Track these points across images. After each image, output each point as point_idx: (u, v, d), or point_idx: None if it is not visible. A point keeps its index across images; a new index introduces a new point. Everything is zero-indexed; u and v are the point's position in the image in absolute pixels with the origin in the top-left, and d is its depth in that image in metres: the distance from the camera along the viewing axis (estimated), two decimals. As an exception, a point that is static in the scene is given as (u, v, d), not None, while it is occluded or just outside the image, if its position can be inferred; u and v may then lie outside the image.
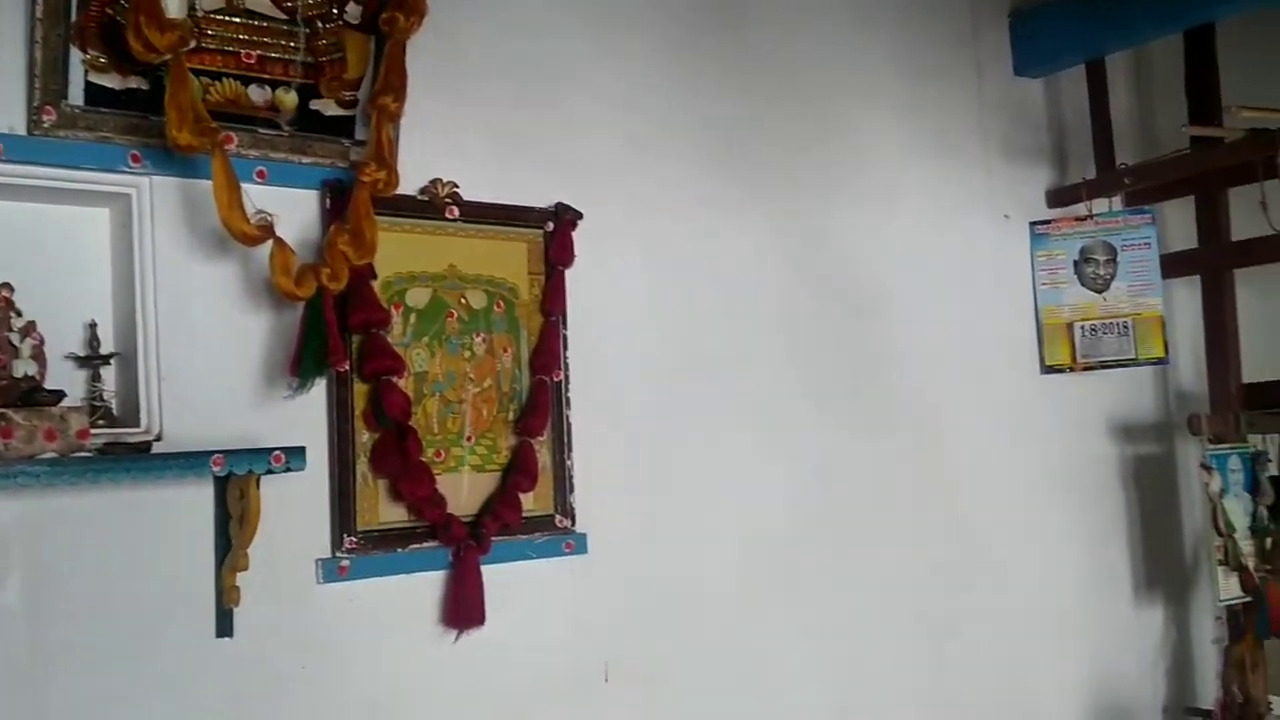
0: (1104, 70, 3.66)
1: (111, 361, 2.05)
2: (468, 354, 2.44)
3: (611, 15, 2.76)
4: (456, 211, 2.44)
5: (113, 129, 2.05)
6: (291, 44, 2.23)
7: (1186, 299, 3.78)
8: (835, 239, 3.15)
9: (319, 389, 2.25)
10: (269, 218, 2.12)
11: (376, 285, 2.32)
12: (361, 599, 2.26)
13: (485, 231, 2.49)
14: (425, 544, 2.33)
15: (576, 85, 2.70)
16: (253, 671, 2.14)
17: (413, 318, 2.38)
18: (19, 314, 1.89)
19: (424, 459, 2.32)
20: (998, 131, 3.59)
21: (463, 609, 2.32)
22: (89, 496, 1.96)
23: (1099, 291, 3.58)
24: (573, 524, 2.53)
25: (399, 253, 2.37)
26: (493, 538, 2.38)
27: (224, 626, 2.11)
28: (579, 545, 2.53)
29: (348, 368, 2.26)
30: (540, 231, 2.56)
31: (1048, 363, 3.59)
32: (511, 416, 2.48)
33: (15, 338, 1.87)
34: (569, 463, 2.53)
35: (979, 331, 3.45)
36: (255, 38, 2.19)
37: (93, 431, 1.89)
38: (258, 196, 2.13)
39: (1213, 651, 3.68)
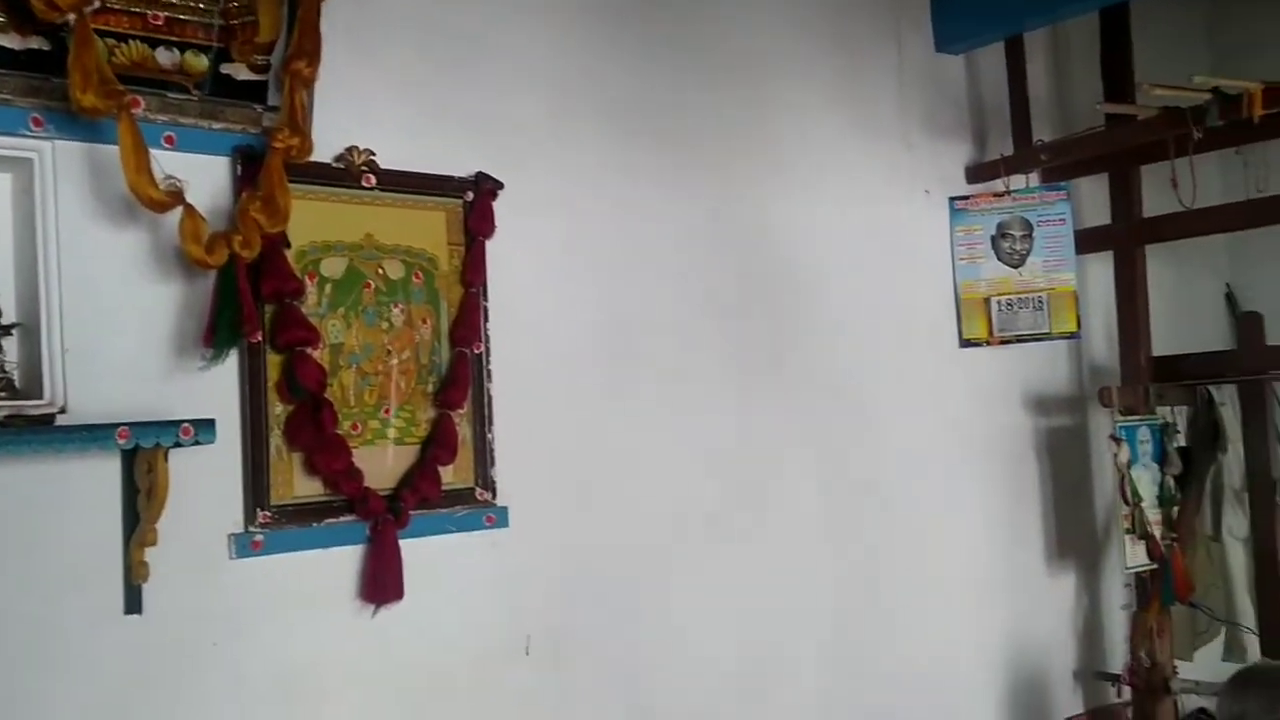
0: (1022, 47, 3.71)
1: (13, 332, 1.98)
2: (385, 325, 2.40)
3: (536, -18, 2.74)
4: (373, 180, 2.40)
5: (13, 91, 1.98)
6: (201, 6, 2.17)
7: (1099, 274, 3.86)
8: (757, 212, 3.16)
9: (230, 360, 2.20)
10: (178, 183, 2.07)
11: (290, 254, 2.27)
12: (276, 574, 2.23)
13: (403, 201, 2.45)
14: (342, 518, 2.30)
15: (499, 53, 2.66)
16: (162, 649, 2.10)
17: (328, 288, 2.34)
18: (-87, 283, 1.83)
19: (340, 432, 2.29)
20: (918, 107, 3.63)
21: (381, 583, 2.30)
22: (-11, 470, 1.89)
23: (1015, 267, 3.63)
24: (494, 497, 2.51)
25: (314, 221, 2.32)
26: (412, 511, 2.35)
27: (132, 603, 2.06)
28: (500, 519, 2.52)
29: (261, 338, 2.21)
30: (460, 201, 2.52)
31: (965, 336, 3.64)
32: (431, 389, 2.45)
33: (-90, 308, 1.80)
34: (490, 435, 2.51)
35: (899, 305, 3.49)
36: (163, -2, 2.13)
37: (-8, 404, 1.83)
38: (167, 162, 2.08)
39: (1121, 617, 3.79)
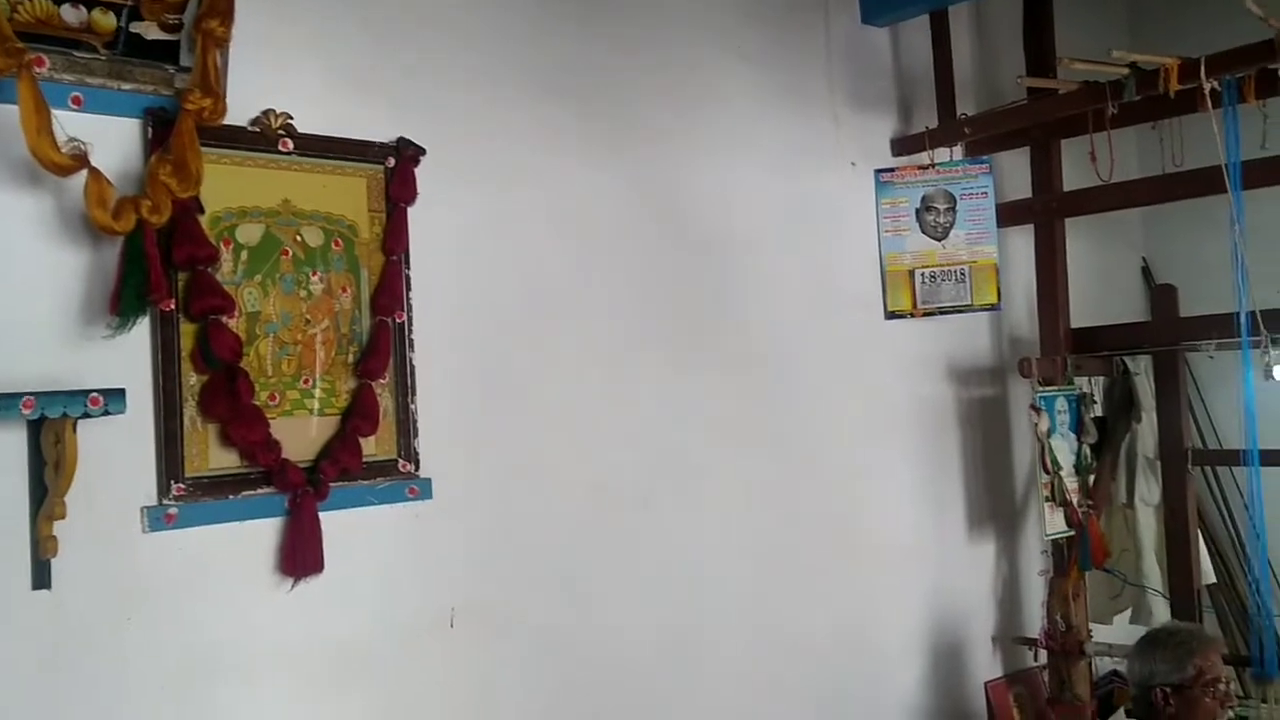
0: (947, 21, 3.74)
1: (-92, 299, 1.91)
2: (304, 293, 2.35)
3: (460, -56, 2.68)
4: (290, 144, 2.34)
5: (-95, 47, 1.89)
6: (108, -40, 2.09)
7: (1020, 247, 3.92)
8: (684, 182, 3.15)
9: (142, 329, 2.13)
10: (82, 146, 2.00)
11: (204, 220, 2.21)
12: (191, 548, 2.18)
13: (322, 166, 2.40)
14: (260, 490, 2.25)
15: (422, 16, 2.61)
16: (73, 625, 2.04)
17: (244, 255, 2.28)
18: None
19: (256, 402, 2.24)
20: (845, 79, 3.64)
21: (299, 556, 2.26)
22: (-117, 443, 1.82)
23: (938, 239, 3.67)
24: (416, 469, 2.48)
25: (228, 187, 2.26)
26: (332, 484, 2.32)
27: (41, 578, 2.00)
28: (423, 490, 2.49)
29: (173, 306, 2.16)
30: (381, 167, 2.47)
31: (890, 308, 3.67)
32: (351, 359, 2.41)
33: None
34: (412, 406, 2.48)
35: (826, 276, 3.52)
36: (67, -47, 2.05)
37: (-116, 373, 1.76)
38: (75, 124, 2.01)
39: (1039, 583, 3.87)
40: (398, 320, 2.46)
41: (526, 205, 2.77)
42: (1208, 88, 3.00)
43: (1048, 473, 3.58)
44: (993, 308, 3.71)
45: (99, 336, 2.09)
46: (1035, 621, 3.85)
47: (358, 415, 2.37)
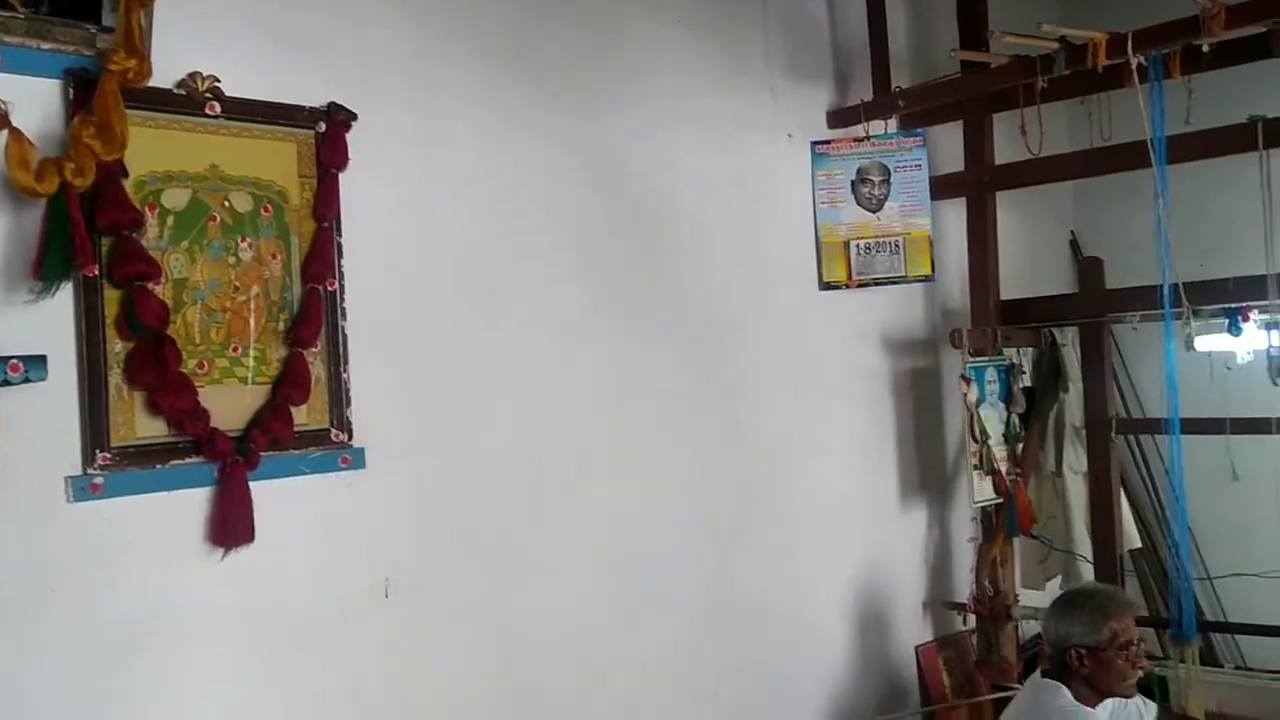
0: (884, -7, 3.76)
1: None
2: (232, 260, 2.31)
3: (392, -97, 2.64)
4: (218, 108, 2.29)
5: None
6: (28, -86, 2.03)
7: (953, 219, 3.97)
8: (622, 151, 3.14)
9: (65, 295, 2.09)
10: (2, 106, 1.94)
11: (128, 184, 2.16)
12: (118, 518, 2.14)
13: (250, 130, 2.35)
14: (188, 460, 2.22)
15: (355, -24, 2.57)
16: (-5, 597, 2.00)
17: (170, 220, 2.23)
18: None
19: (184, 370, 2.20)
20: (782, 51, 3.65)
21: (229, 526, 2.23)
22: None
23: (873, 211, 3.71)
24: (349, 438, 2.46)
25: (154, 150, 2.21)
26: (263, 453, 2.29)
27: (-40, 550, 1.96)
28: (356, 460, 2.47)
29: (97, 272, 2.11)
30: (311, 132, 2.43)
31: (826, 279, 3.71)
32: (282, 327, 2.37)
33: None
34: (345, 375, 2.45)
35: (762, 247, 3.54)
36: (-20, -95, 1.98)
37: None
38: (-8, 84, 1.95)
39: (969, 549, 3.95)
40: (329, 288, 2.43)
41: (463, 173, 2.75)
42: (1134, 63, 3.06)
43: (977, 441, 3.64)
44: (926, 279, 3.76)
45: (20, 302, 2.04)
46: (964, 587, 3.94)
47: (289, 384, 2.34)
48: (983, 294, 3.84)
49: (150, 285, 2.16)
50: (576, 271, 2.99)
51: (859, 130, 3.70)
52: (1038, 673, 2.77)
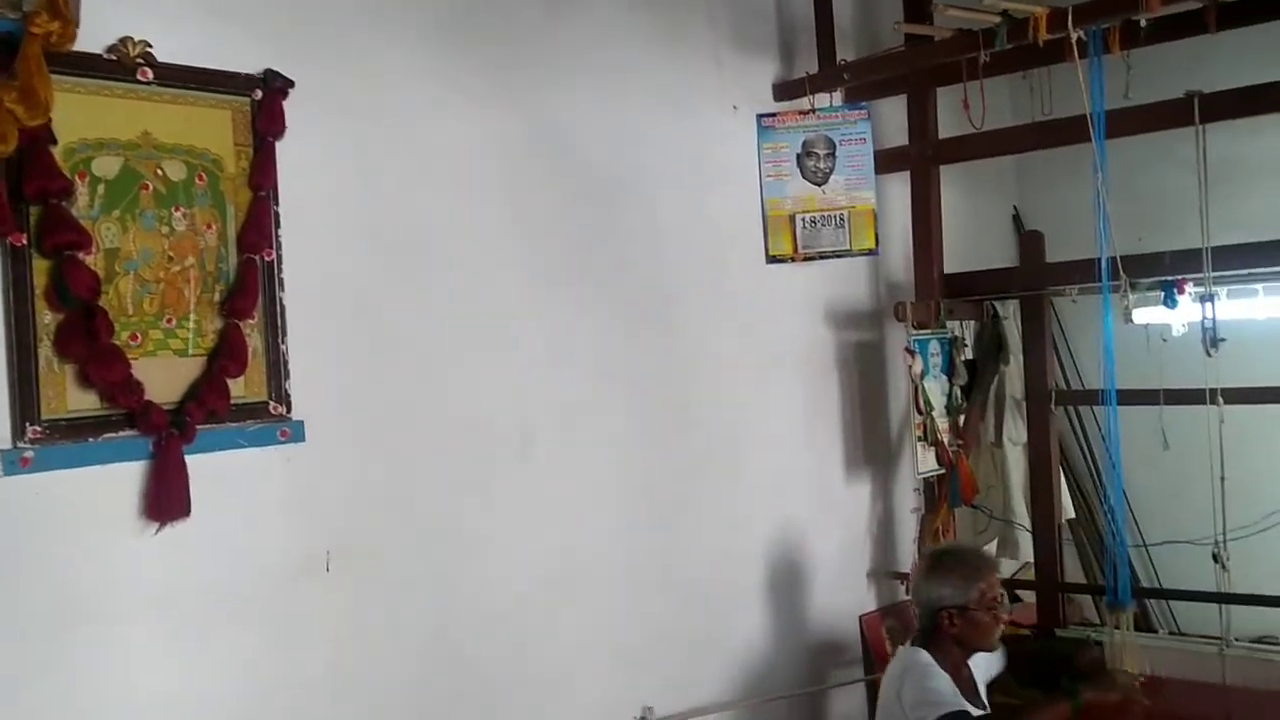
0: (828, -35, 3.76)
1: None
2: (166, 230, 2.26)
3: None
4: (150, 74, 2.24)
5: None
6: None
7: (898, 193, 3.99)
8: (568, 121, 3.12)
9: (-10, 266, 2.04)
10: (-80, 70, 1.88)
11: (56, 151, 2.11)
12: (50, 492, 2.10)
13: (184, 97, 2.30)
14: (122, 433, 2.18)
15: (291, -59, 2.52)
16: (-79, 574, 1.96)
17: (101, 188, 2.18)
18: None
19: (117, 342, 2.16)
20: (728, 23, 3.64)
21: (165, 500, 2.19)
22: None
23: (819, 184, 3.72)
24: (288, 411, 2.43)
25: (83, 117, 2.16)
26: (199, 426, 2.25)
27: (-117, 526, 1.91)
28: (295, 433, 2.44)
29: (25, 241, 2.06)
30: (247, 100, 2.39)
31: (772, 253, 3.72)
32: (218, 298, 2.33)
33: None
34: (283, 347, 2.42)
35: (708, 220, 3.54)
36: None
37: None
38: (-94, 46, 1.89)
39: (912, 520, 3.99)
40: (267, 258, 2.39)
41: (405, 142, 2.71)
42: (1075, 37, 3.08)
43: (920, 413, 3.69)
44: (870, 253, 3.79)
45: (-58, 272, 1.99)
46: (908, 557, 3.98)
47: (225, 356, 2.31)
48: (926, 267, 3.87)
49: (80, 255, 2.12)
50: (521, 242, 2.97)
51: (804, 103, 3.71)
52: (909, 642, 2.87)
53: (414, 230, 2.72)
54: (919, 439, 3.70)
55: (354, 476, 2.57)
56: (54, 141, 2.10)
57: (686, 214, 3.45)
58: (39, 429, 2.08)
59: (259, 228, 2.37)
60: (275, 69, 2.43)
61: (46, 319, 2.10)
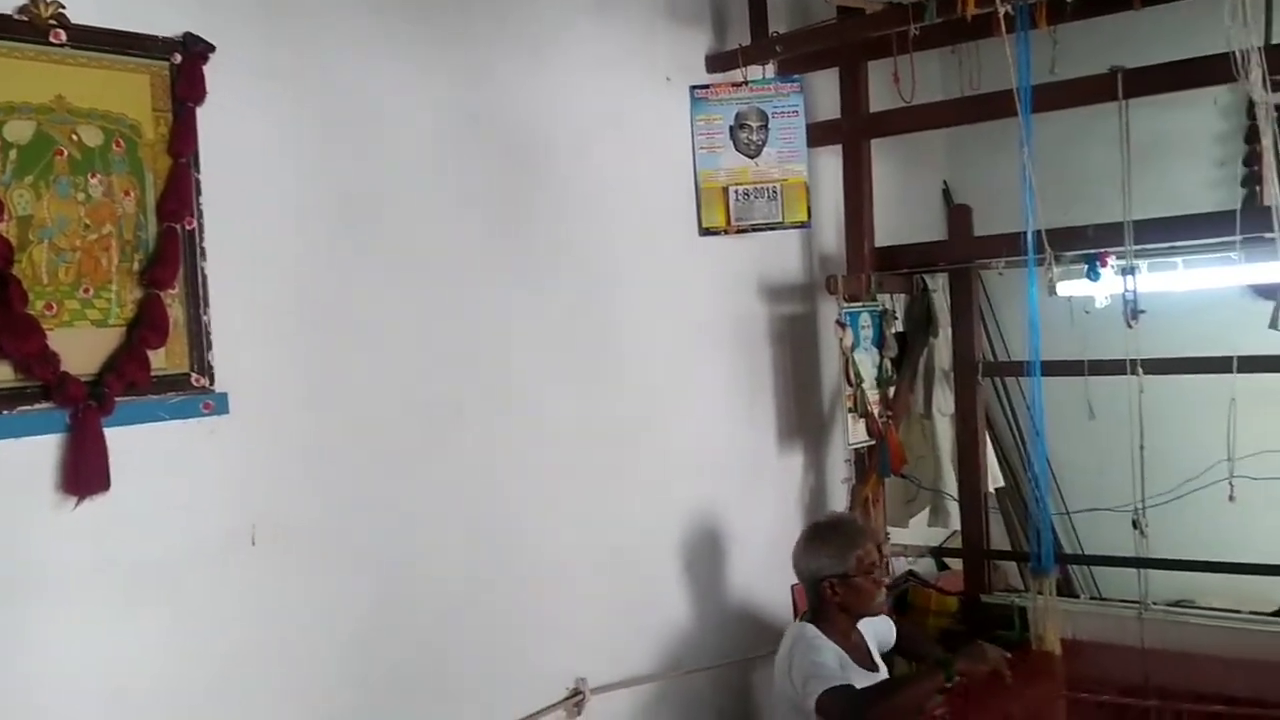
0: (761, -64, 3.76)
1: None
2: (82, 197, 2.20)
3: None
4: (63, 35, 2.17)
5: None
6: None
7: (830, 166, 4.01)
8: (500, 91, 3.08)
9: (-104, 233, 1.97)
10: None
11: (-36, 115, 2.04)
12: (-38, 467, 2.04)
13: (100, 61, 2.23)
14: (38, 405, 2.11)
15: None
16: None
17: (13, 154, 2.11)
18: None
19: (31, 312, 2.09)
20: (661, -7, 3.63)
21: (83, 474, 2.14)
22: None
23: (751, 157, 3.73)
24: (211, 383, 2.38)
25: (-8, 80, 2.09)
26: (118, 398, 2.20)
27: None
28: (219, 405, 2.39)
29: (-68, 209, 2.00)
30: (166, 64, 2.32)
31: (705, 225, 3.73)
32: (137, 267, 2.27)
33: None
34: (205, 318, 2.37)
35: (642, 192, 3.53)
36: None
37: None
38: None
39: (843, 490, 4.04)
40: (188, 227, 2.33)
41: (332, 109, 2.66)
42: (1002, 12, 3.11)
43: (851, 385, 3.73)
44: (803, 225, 3.82)
45: None
46: (839, 527, 4.02)
47: (145, 326, 2.25)
48: (857, 241, 3.90)
49: (-9, 223, 2.05)
50: (451, 213, 2.94)
51: (737, 75, 3.71)
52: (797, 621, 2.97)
53: (342, 198, 2.68)
54: (850, 410, 3.74)
55: (281, 450, 2.53)
56: (-38, 105, 2.04)
57: (620, 186, 3.44)
58: (-50, 402, 2.02)
59: (179, 195, 2.31)
60: (196, 33, 2.36)
61: (-44, 288, 2.04)
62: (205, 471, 2.39)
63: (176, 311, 2.32)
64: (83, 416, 2.14)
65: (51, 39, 2.16)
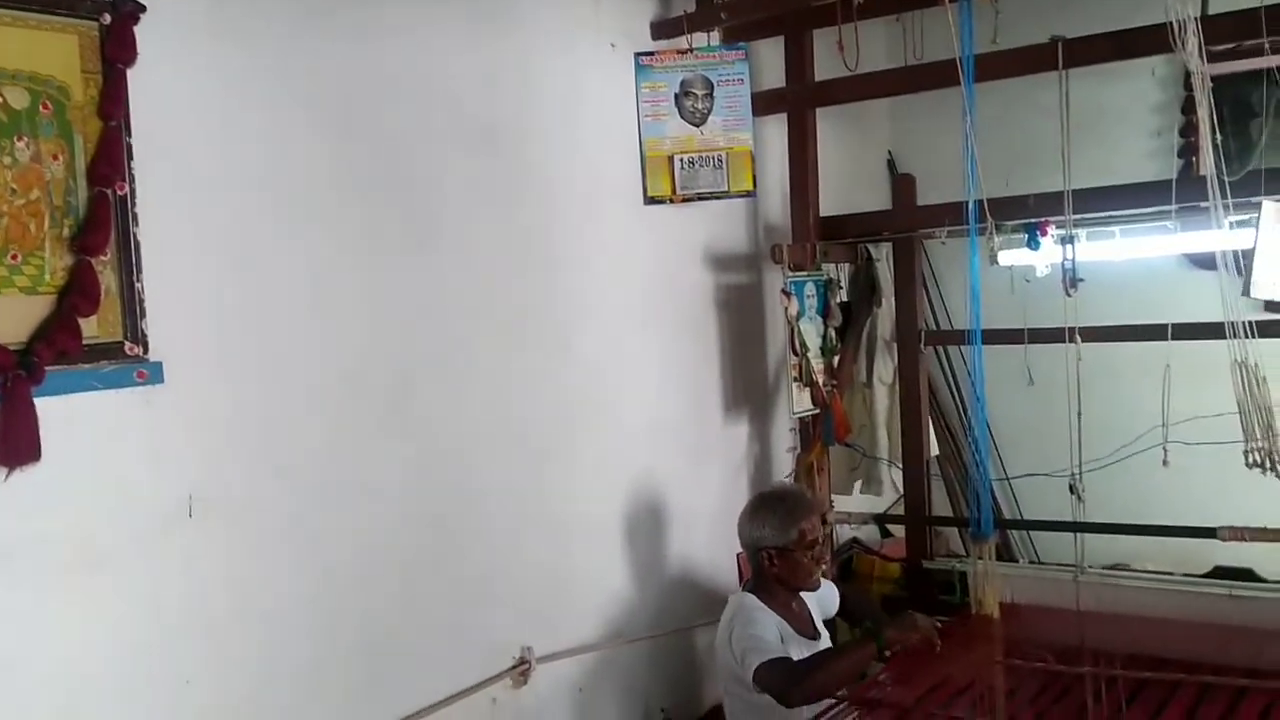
0: (705, -98, 3.73)
1: None
2: (8, 160, 2.13)
3: None
4: (-14, -7, 2.10)
5: None
6: None
7: (775, 135, 4.01)
8: (438, 60, 3.03)
9: None
10: None
11: (-119, 74, 1.97)
12: (-116, 438, 1.98)
13: (25, 20, 2.15)
14: (-36, 375, 2.07)
15: None
16: None
17: (-67, 116, 2.05)
18: None
19: (-44, 279, 2.04)
20: (605, -43, 3.59)
21: (12, 444, 2.08)
22: None
23: (697, 125, 3.70)
24: (145, 352, 2.32)
25: (-89, 38, 2.02)
26: (48, 367, 2.14)
27: None
28: (154, 374, 2.34)
29: None
30: (95, 24, 2.25)
31: (650, 194, 3.70)
32: (67, 233, 2.21)
33: None
34: (139, 285, 2.31)
35: (586, 160, 3.50)
36: None
37: None
38: None
39: (788, 459, 4.07)
40: (119, 192, 2.27)
41: (268, 73, 2.59)
42: (945, -19, 3.12)
43: (796, 355, 3.75)
44: (748, 194, 3.80)
45: None
46: (784, 495, 4.05)
47: (76, 293, 2.19)
48: (803, 210, 3.91)
49: (-89, 186, 1.99)
50: (392, 181, 2.89)
51: (682, 42, 3.68)
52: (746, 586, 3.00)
53: (279, 165, 2.62)
54: (795, 380, 3.76)
55: (220, 420, 2.49)
56: (-122, 63, 1.96)
57: (563, 154, 3.41)
58: None
59: (110, 160, 2.25)
60: (125, -9, 2.30)
61: (-124, 254, 1.97)
62: (139, 442, 2.34)
63: (109, 279, 2.26)
64: (12, 386, 2.08)
65: (-27, -3, 2.09)
